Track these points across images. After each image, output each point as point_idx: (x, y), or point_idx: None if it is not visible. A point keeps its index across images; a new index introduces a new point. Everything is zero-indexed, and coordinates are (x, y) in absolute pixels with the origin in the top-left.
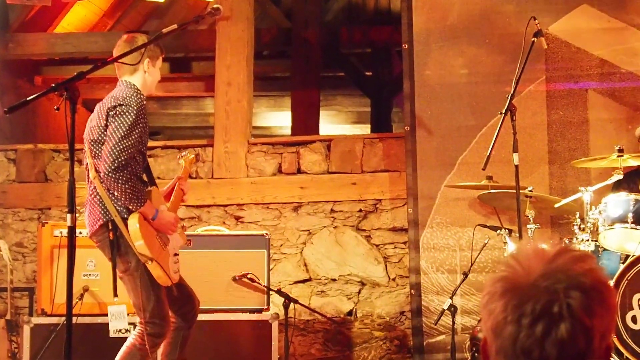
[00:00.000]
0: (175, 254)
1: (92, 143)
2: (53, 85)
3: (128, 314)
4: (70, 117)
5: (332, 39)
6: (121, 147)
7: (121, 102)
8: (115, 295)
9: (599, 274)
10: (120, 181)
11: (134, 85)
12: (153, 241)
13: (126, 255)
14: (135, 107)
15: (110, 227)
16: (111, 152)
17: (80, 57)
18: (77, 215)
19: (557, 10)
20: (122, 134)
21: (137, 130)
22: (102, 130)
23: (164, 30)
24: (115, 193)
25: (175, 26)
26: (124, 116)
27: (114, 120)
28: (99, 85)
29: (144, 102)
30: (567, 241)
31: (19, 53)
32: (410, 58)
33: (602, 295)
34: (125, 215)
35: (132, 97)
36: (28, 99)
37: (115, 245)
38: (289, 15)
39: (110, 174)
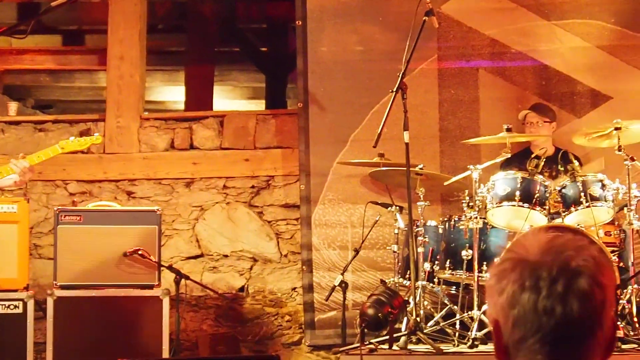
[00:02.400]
0: None
1: None
2: None
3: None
4: None
5: (228, 13)
6: None
7: None
8: None
9: (600, 248)
10: None
11: None
12: None
13: None
14: None
15: None
16: None
17: None
18: None
19: None
20: None
21: None
22: None
23: (53, 4)
24: None
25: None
26: None
27: None
28: None
29: None
30: (456, 218)
31: None
32: (304, 35)
33: (609, 263)
34: None
35: None
36: None
37: None
38: None
39: None
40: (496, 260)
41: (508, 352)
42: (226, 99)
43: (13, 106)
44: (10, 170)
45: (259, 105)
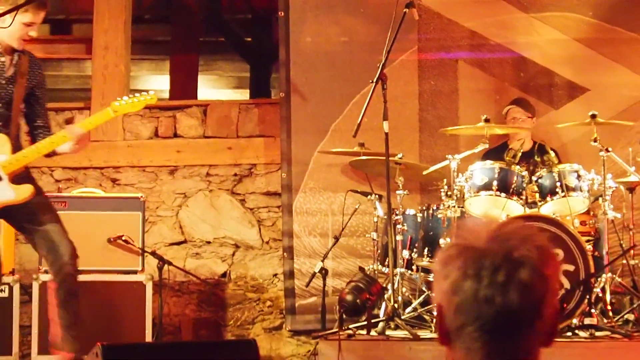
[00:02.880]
0: None
1: None
2: None
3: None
4: None
5: (212, 4)
6: None
7: None
8: None
9: (543, 238)
10: None
11: None
12: None
13: None
14: None
15: None
16: None
17: None
18: None
19: None
20: None
21: None
22: None
23: None
24: None
25: None
26: None
27: None
28: None
29: None
30: (434, 207)
31: None
32: (286, 26)
33: (549, 253)
34: None
35: None
36: None
37: None
38: None
39: None
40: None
41: (450, 337)
42: (212, 88)
43: None
44: (65, 137)
45: (244, 94)
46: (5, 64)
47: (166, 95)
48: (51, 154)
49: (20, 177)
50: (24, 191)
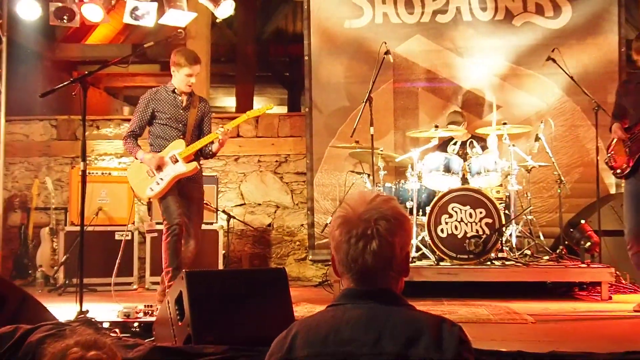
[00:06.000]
0: (161, 179)
1: None
2: (71, 79)
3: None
4: (83, 98)
5: (264, 51)
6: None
7: None
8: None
9: (398, 209)
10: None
11: (168, 83)
12: (139, 174)
13: None
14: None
15: None
16: None
17: (102, 60)
18: (87, 162)
19: (401, 37)
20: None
21: (137, 115)
22: None
23: (145, 45)
24: None
25: (152, 43)
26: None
27: None
28: (116, 77)
29: (156, 95)
30: (403, 182)
31: (63, 57)
32: (309, 65)
33: (399, 222)
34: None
35: (147, 92)
36: (55, 87)
37: None
38: (237, 35)
39: None
40: (336, 212)
41: (339, 274)
42: (263, 105)
43: (126, 109)
44: (215, 134)
45: (284, 109)
46: (182, 100)
47: (233, 109)
48: (209, 154)
49: (191, 160)
50: (191, 165)
